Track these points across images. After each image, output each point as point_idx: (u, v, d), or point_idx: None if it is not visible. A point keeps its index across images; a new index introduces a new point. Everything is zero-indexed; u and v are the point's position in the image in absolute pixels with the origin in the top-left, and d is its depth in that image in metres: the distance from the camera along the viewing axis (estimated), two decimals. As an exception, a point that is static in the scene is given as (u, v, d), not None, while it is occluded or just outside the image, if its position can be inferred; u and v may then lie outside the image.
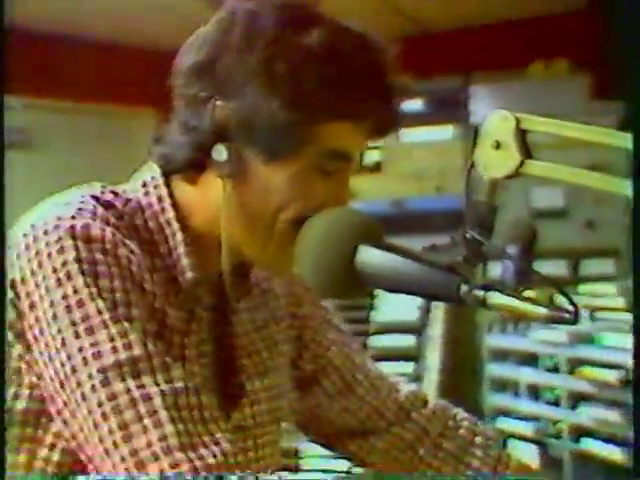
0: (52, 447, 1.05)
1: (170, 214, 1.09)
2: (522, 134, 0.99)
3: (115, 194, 1.09)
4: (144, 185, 1.11)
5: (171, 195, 1.10)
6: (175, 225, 1.09)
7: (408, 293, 0.98)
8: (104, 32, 4.03)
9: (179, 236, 1.08)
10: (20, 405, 1.04)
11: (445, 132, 3.85)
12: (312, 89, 1.01)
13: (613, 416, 1.65)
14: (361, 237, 0.99)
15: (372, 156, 3.62)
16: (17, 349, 1.03)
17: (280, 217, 1.05)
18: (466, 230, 0.97)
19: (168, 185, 1.10)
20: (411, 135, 3.77)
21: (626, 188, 0.95)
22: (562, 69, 3.62)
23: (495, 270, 0.99)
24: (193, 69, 1.07)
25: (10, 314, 1.03)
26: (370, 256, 0.98)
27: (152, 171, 1.11)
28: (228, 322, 1.15)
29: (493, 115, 1.01)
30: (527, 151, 0.99)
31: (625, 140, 0.98)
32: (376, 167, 3.77)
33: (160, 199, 1.10)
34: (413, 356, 2.37)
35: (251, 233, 1.08)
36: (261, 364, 1.19)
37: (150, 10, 3.72)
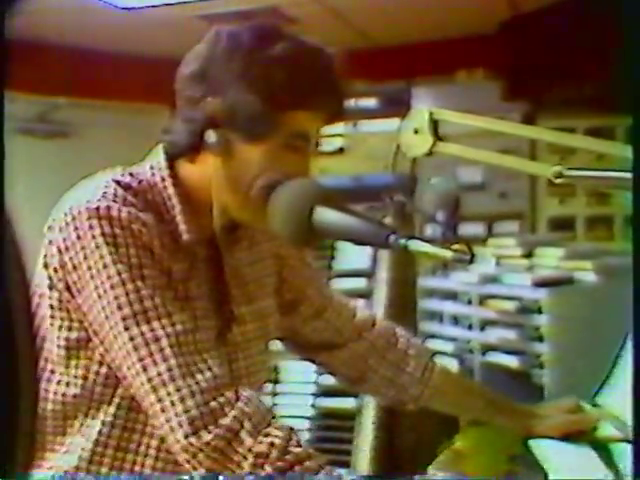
0: (101, 363, 1.08)
1: (170, 190, 1.12)
2: (434, 123, 1.02)
3: (131, 175, 1.12)
4: (151, 168, 1.14)
5: (174, 175, 1.13)
6: (174, 198, 1.12)
7: (352, 242, 1.02)
8: (129, 45, 4.01)
9: (178, 207, 1.11)
10: (73, 334, 1.07)
11: (393, 124, 3.84)
12: (278, 87, 1.05)
13: (510, 335, 1.68)
14: (316, 200, 1.03)
15: (337, 143, 3.64)
16: (65, 296, 1.06)
17: (256, 184, 1.08)
18: (393, 195, 1.02)
19: (171, 167, 1.13)
20: (367, 126, 3.78)
21: (512, 162, 0.99)
22: (479, 76, 3.64)
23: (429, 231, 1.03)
24: (190, 76, 1.11)
25: (58, 271, 1.06)
26: (323, 214, 1.01)
27: (157, 156, 1.15)
28: (220, 267, 1.18)
29: (413, 109, 1.04)
30: (438, 135, 1.03)
31: (516, 129, 1.02)
32: (340, 151, 3.79)
33: (163, 179, 1.13)
34: (365, 295, 2.40)
35: (234, 197, 1.12)
36: (248, 294, 1.22)
37: (162, 27, 3.69)
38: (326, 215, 1.00)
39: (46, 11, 3.20)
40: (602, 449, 1.29)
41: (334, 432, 2.23)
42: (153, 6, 3.33)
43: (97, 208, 1.03)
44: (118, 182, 1.08)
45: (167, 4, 3.30)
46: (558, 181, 0.84)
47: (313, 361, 1.44)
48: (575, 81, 3.20)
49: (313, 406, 2.32)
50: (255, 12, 3.46)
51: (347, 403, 2.23)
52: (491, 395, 1.46)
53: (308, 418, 2.30)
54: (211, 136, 1.07)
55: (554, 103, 3.36)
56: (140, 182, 1.11)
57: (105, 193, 1.05)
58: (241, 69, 1.06)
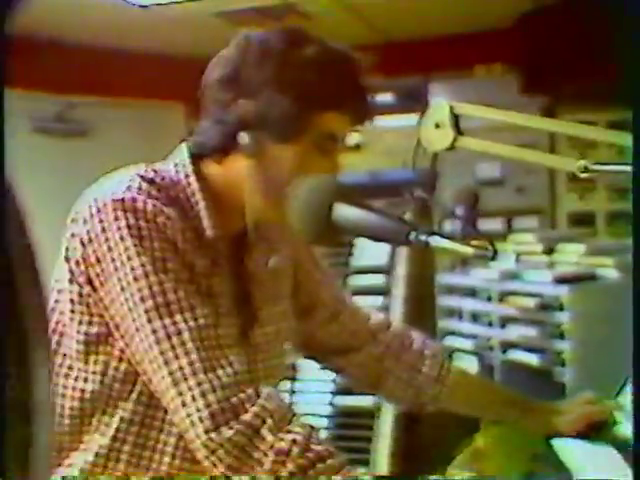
0: (120, 359, 1.08)
1: (195, 186, 1.13)
2: (455, 117, 1.01)
3: (155, 171, 1.13)
4: (175, 165, 1.15)
5: (198, 173, 1.14)
6: (198, 195, 1.12)
7: (371, 238, 1.01)
8: (144, 43, 4.02)
9: (202, 202, 1.12)
10: (93, 329, 1.07)
11: (410, 119, 3.84)
12: (310, 88, 1.06)
13: (531, 332, 1.67)
14: (335, 197, 1.02)
15: (354, 138, 3.64)
16: (85, 290, 1.06)
17: (288, 184, 1.08)
18: (414, 190, 1.01)
19: (195, 165, 1.14)
20: (383, 122, 3.78)
21: (535, 157, 0.98)
22: (498, 71, 3.63)
23: (449, 226, 1.02)
24: (220, 80, 1.12)
25: (80, 265, 1.06)
26: (342, 211, 1.00)
27: (181, 154, 1.15)
28: (243, 265, 1.18)
29: (434, 103, 1.04)
30: (459, 130, 1.01)
31: (537, 121, 1.01)
32: (357, 147, 3.80)
33: (187, 175, 1.14)
34: (383, 291, 2.38)
35: (267, 197, 1.12)
36: (268, 295, 1.22)
37: (177, 24, 3.70)
38: (345, 212, 1.00)
39: (61, 9, 3.21)
40: (624, 448, 1.28)
41: (352, 430, 2.22)
42: (169, 3, 3.34)
43: (122, 199, 1.03)
44: (142, 177, 1.09)
45: (183, 1, 3.30)
46: (583, 175, 0.83)
47: (329, 367, 1.43)
48: (594, 74, 3.17)
49: (331, 404, 2.31)
50: (270, 9, 3.46)
51: (365, 401, 2.22)
52: (510, 394, 1.45)
53: (326, 416, 2.29)
54: (244, 137, 1.08)
55: (573, 97, 3.34)
56: (163, 178, 1.11)
57: (130, 186, 1.06)
58: (274, 71, 1.07)
